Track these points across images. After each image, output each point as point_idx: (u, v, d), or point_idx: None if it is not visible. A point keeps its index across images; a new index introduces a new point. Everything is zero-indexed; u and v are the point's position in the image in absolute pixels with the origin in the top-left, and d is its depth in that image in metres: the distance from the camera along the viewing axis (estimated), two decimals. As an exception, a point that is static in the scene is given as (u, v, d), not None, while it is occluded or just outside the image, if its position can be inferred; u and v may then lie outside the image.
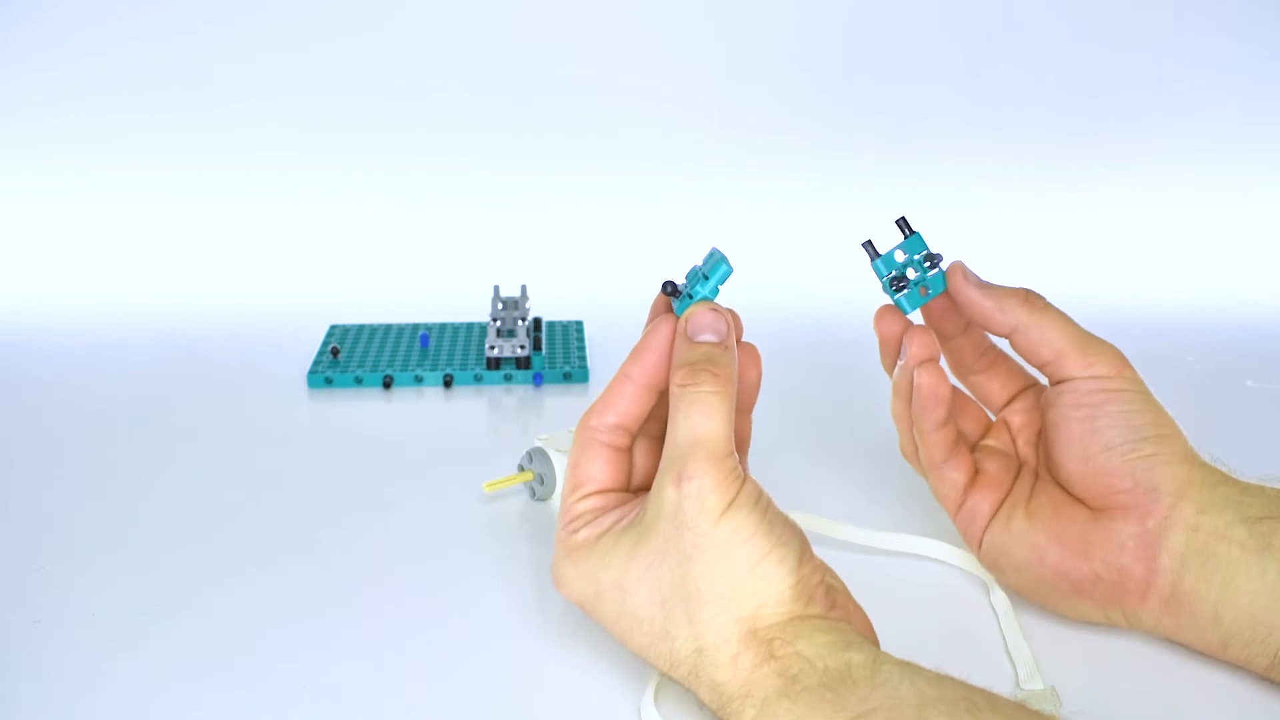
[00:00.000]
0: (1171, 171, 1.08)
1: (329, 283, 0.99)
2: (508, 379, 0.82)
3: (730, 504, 0.43)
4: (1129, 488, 0.49)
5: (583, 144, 1.06)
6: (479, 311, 0.90)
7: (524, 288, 0.87)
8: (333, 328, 0.90)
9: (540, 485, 0.64)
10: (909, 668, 0.41)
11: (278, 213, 1.03)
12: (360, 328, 0.90)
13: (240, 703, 0.48)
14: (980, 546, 0.53)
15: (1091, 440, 0.49)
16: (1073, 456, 0.50)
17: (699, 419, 0.44)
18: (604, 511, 0.47)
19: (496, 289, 0.86)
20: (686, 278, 0.48)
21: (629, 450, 0.49)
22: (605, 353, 0.86)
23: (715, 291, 0.47)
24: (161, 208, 1.03)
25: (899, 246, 0.52)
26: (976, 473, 0.54)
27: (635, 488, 0.49)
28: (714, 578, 0.43)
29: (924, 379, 0.51)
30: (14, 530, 0.62)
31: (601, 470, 0.48)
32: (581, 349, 0.86)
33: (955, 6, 1.07)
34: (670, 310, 0.48)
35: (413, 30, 1.03)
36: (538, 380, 0.82)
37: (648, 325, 0.49)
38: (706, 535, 0.42)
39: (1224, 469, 0.50)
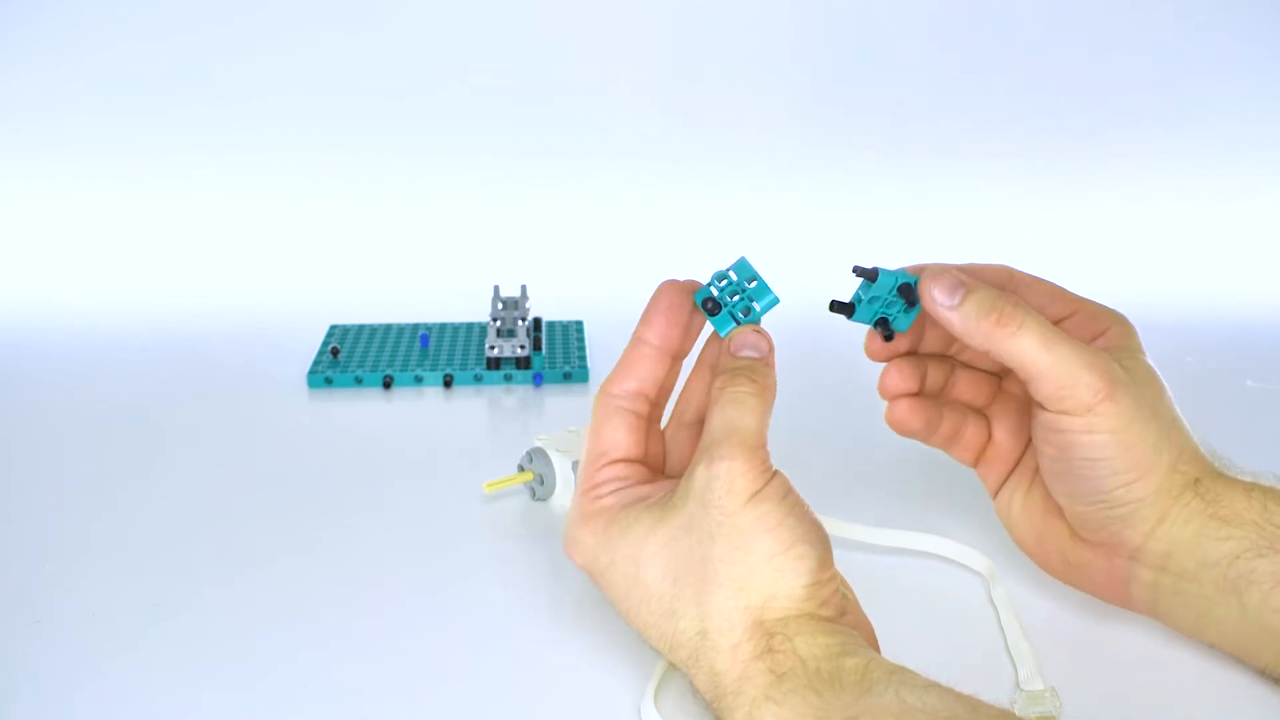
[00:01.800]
0: (1171, 172, 1.08)
1: (329, 283, 0.99)
2: (508, 379, 0.82)
3: (758, 492, 0.43)
4: (1095, 529, 0.49)
5: (583, 144, 1.06)
6: (479, 311, 0.90)
7: (524, 288, 0.87)
8: (333, 328, 0.90)
9: (540, 485, 0.64)
10: (898, 675, 0.41)
11: (278, 213, 1.03)
12: (360, 328, 0.90)
13: (240, 703, 0.48)
14: (995, 502, 0.54)
15: (1058, 483, 0.49)
16: (1048, 480, 0.50)
17: (733, 412, 0.44)
18: (631, 482, 0.47)
19: (496, 289, 0.86)
20: (711, 280, 0.48)
21: (648, 419, 0.49)
22: (605, 352, 0.86)
23: (759, 318, 0.48)
24: (162, 208, 1.03)
25: (865, 294, 0.49)
26: (990, 439, 0.54)
27: (669, 473, 0.50)
28: (732, 561, 0.43)
29: (890, 417, 0.53)
30: (14, 530, 0.62)
31: (624, 437, 0.48)
32: (581, 349, 0.86)
33: (954, 6, 1.07)
34: (672, 291, 0.49)
35: (413, 30, 1.03)
36: (538, 380, 0.82)
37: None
38: (732, 517, 0.43)
39: (1225, 465, 0.49)
